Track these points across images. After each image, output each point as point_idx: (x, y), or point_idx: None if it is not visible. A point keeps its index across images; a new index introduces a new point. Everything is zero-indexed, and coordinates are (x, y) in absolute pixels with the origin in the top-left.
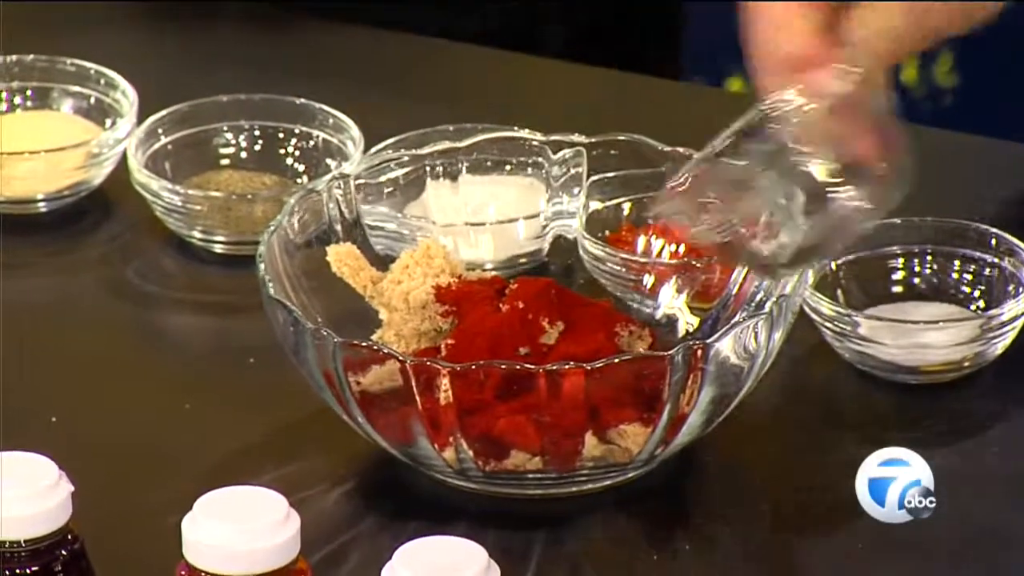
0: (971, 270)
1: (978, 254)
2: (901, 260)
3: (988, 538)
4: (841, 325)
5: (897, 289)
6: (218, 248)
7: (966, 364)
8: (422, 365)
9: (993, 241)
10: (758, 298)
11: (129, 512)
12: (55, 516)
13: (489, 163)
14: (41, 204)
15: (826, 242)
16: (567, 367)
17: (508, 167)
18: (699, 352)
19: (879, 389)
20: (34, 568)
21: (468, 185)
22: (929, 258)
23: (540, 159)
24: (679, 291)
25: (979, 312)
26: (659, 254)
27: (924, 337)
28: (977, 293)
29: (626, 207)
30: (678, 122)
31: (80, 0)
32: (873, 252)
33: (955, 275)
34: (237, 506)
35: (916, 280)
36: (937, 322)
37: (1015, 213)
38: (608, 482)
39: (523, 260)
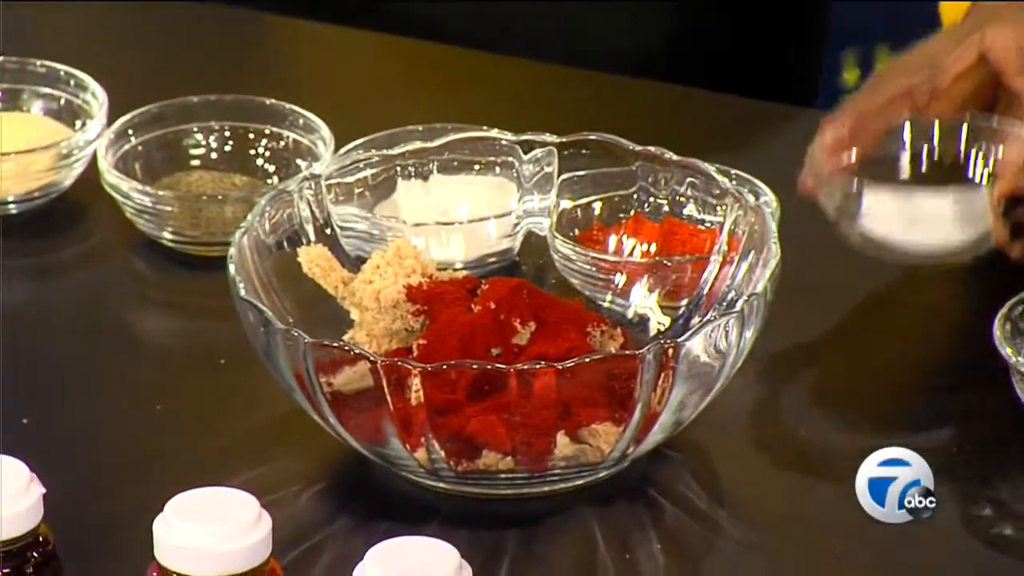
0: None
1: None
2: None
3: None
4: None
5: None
6: (189, 249)
7: (967, 247)
8: (393, 365)
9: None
10: (729, 297)
11: (101, 513)
12: (26, 518)
13: (459, 163)
14: (11, 206)
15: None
16: (539, 367)
17: (479, 167)
18: (670, 351)
19: (855, 387)
20: (6, 570)
21: (439, 185)
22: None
23: (511, 158)
24: (650, 290)
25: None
26: (630, 253)
27: (926, 209)
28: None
29: (597, 206)
30: (648, 121)
31: (50, 0)
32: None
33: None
34: (209, 507)
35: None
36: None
37: None
38: (580, 481)
39: (494, 259)
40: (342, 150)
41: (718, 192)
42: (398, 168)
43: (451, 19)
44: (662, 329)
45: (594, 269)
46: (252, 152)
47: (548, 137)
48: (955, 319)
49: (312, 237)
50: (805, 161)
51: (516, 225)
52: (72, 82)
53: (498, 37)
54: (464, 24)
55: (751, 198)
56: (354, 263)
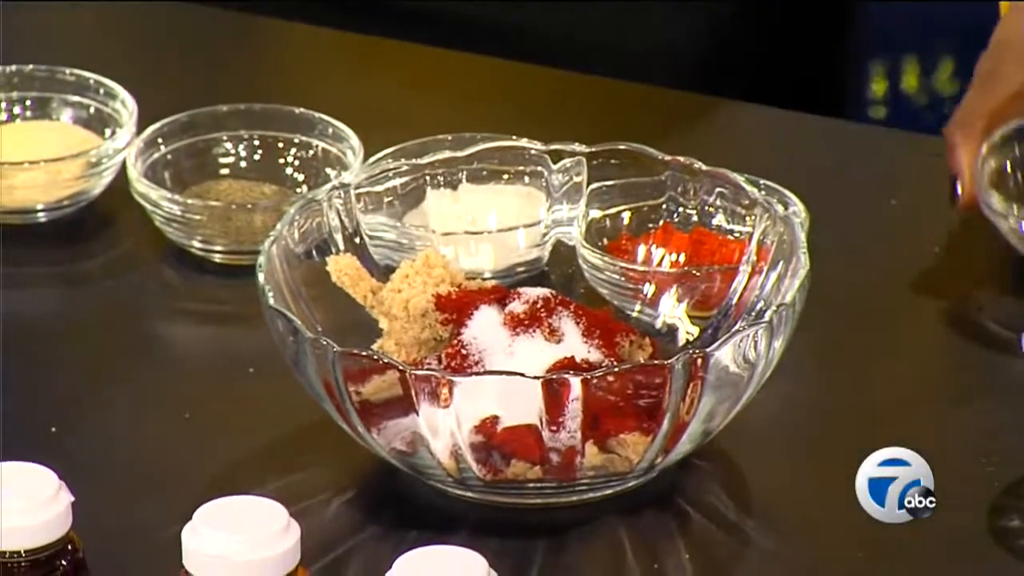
0: None
1: None
2: None
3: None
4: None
5: None
6: (218, 258)
7: None
8: (422, 375)
9: None
10: (758, 307)
11: (129, 522)
12: (55, 526)
13: (488, 172)
14: (40, 214)
15: None
16: (567, 376)
17: (508, 176)
18: (699, 361)
19: (887, 398)
20: None
21: (468, 194)
22: None
23: (540, 168)
24: (679, 300)
25: None
26: (659, 263)
27: None
28: None
29: (626, 216)
30: (678, 131)
31: (79, 0)
32: None
33: None
34: (237, 516)
35: None
36: None
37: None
38: (608, 491)
39: (523, 269)
40: (371, 159)
41: (747, 202)
42: (427, 177)
43: (480, 27)
44: (691, 339)
45: (623, 279)
46: (281, 161)
47: (577, 147)
48: (984, 331)
49: (341, 246)
50: (958, 181)
51: (545, 235)
52: (101, 90)
53: (526, 46)
54: (493, 32)
55: (780, 208)
56: (383, 272)
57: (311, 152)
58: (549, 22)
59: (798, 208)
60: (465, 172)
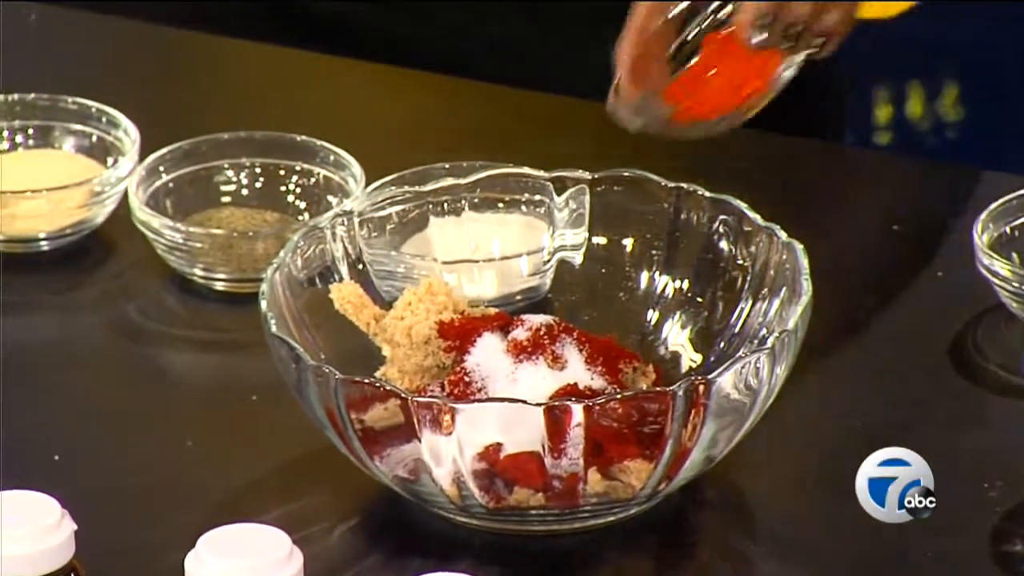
0: None
1: None
2: None
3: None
4: (1018, 286)
5: None
6: (220, 286)
7: None
8: (424, 402)
9: None
10: (761, 334)
11: (132, 549)
12: (58, 555)
13: (491, 199)
14: (43, 243)
15: None
16: (568, 403)
17: (511, 203)
18: (700, 388)
19: (891, 424)
20: None
21: (471, 222)
22: None
23: (543, 195)
24: (683, 327)
25: None
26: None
27: None
28: None
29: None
30: (681, 157)
31: (78, 5)
32: None
33: None
34: (240, 543)
35: None
36: None
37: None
38: (611, 518)
39: (526, 296)
40: (371, 186)
41: (750, 229)
42: (430, 205)
43: (475, 56)
44: (694, 366)
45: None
46: (283, 188)
47: (580, 173)
48: (985, 356)
49: (344, 273)
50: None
51: (547, 261)
52: (104, 119)
53: (522, 73)
54: (488, 61)
55: (783, 235)
56: (386, 299)
57: (313, 179)
58: (550, 45)
59: None
60: (468, 200)
